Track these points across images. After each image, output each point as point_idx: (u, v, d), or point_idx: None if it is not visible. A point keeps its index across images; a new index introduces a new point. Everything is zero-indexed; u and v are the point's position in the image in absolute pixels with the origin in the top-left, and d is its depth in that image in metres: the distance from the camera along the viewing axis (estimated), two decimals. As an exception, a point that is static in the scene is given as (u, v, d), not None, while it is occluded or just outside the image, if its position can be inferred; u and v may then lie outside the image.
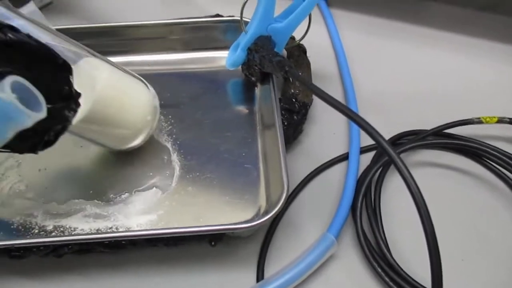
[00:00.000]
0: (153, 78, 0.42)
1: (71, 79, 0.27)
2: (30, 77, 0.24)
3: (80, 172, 0.36)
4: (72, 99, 0.27)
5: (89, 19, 0.54)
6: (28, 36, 0.24)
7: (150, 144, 0.37)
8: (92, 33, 0.43)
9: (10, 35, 0.23)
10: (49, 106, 0.25)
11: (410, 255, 0.34)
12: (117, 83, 0.33)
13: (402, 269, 0.32)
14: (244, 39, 0.39)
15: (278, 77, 0.36)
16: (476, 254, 0.34)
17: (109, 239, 0.31)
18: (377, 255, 0.33)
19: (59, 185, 0.35)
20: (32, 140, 0.26)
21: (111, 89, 0.32)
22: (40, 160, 0.36)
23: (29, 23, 0.29)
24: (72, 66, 0.27)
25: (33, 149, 0.26)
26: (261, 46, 0.37)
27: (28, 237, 0.32)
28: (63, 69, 0.26)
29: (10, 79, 0.23)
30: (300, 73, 0.41)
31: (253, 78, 0.40)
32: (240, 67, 0.41)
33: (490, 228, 0.36)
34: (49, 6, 0.56)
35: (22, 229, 0.32)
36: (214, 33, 0.45)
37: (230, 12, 0.46)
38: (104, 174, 0.35)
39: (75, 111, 0.28)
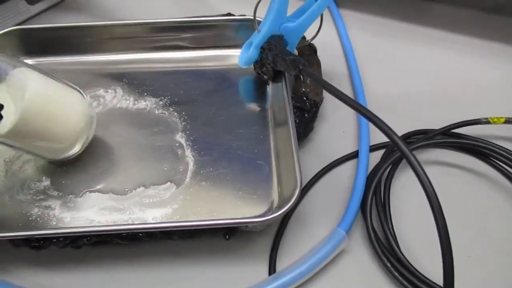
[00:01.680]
0: (166, 75, 0.44)
1: None
2: None
3: (96, 166, 0.36)
4: None
5: (101, 16, 0.55)
6: None
7: (165, 140, 0.38)
8: (105, 31, 0.44)
9: None
10: None
11: (418, 250, 0.35)
12: (47, 92, 0.32)
13: (410, 264, 0.33)
14: (257, 38, 0.39)
15: (292, 75, 0.37)
16: (482, 250, 0.35)
17: (128, 231, 0.31)
18: (387, 250, 0.34)
19: (76, 178, 0.36)
20: None
21: (40, 98, 0.31)
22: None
23: None
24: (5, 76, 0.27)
25: None
26: (274, 45, 0.38)
27: (47, 228, 0.32)
28: None
29: None
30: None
31: (265, 76, 0.41)
32: (252, 65, 0.41)
33: (496, 225, 0.37)
34: (61, 3, 0.56)
35: (40, 221, 0.33)
36: (226, 31, 0.45)
37: (240, 11, 0.47)
38: (120, 168, 0.36)
39: None
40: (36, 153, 0.34)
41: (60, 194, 0.35)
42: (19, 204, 0.34)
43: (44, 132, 0.32)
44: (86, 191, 0.35)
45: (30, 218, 0.33)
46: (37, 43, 0.44)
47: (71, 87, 0.35)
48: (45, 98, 0.32)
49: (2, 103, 0.30)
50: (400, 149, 0.26)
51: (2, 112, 0.30)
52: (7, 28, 0.44)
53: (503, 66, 0.49)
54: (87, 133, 0.35)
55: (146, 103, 0.41)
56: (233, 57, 0.45)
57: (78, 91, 0.36)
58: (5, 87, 0.31)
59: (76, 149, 0.35)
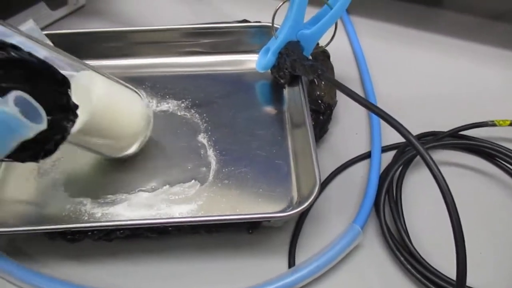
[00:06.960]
0: (186, 79, 0.45)
1: (69, 93, 0.28)
2: (32, 92, 0.25)
3: (124, 165, 0.38)
4: (70, 110, 0.29)
5: (119, 22, 0.57)
6: (30, 54, 0.26)
7: (188, 140, 0.40)
8: (127, 36, 0.46)
9: (13, 53, 0.24)
10: (49, 117, 0.26)
11: (429, 244, 0.37)
12: (111, 94, 0.35)
13: (422, 257, 0.35)
14: (275, 44, 0.41)
15: (309, 79, 0.39)
16: (493, 248, 0.37)
17: (161, 225, 0.33)
18: (399, 244, 0.36)
19: (105, 176, 0.38)
20: (33, 150, 0.27)
21: (106, 100, 0.34)
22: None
23: (28, 40, 0.31)
24: (70, 79, 0.29)
25: (35, 158, 0.28)
26: (292, 51, 0.40)
27: (81, 222, 0.34)
28: (62, 83, 0.28)
29: (13, 94, 0.24)
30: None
31: (282, 80, 0.43)
32: (269, 70, 0.44)
33: (502, 222, 0.39)
34: (81, 9, 0.59)
35: (73, 216, 0.35)
36: (243, 37, 0.47)
37: (254, 17, 0.49)
38: (147, 167, 0.38)
39: (73, 122, 0.29)
40: (97, 151, 0.36)
41: (90, 190, 0.36)
42: (51, 199, 0.36)
43: (109, 131, 0.34)
44: (116, 188, 0.37)
45: (63, 213, 0.35)
46: (63, 48, 0.46)
47: (130, 88, 0.37)
48: (110, 100, 0.34)
49: None
50: (416, 148, 0.28)
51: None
52: (32, 33, 0.46)
53: (507, 71, 0.51)
54: (146, 132, 0.37)
55: (169, 105, 0.43)
56: (249, 61, 0.47)
57: (137, 92, 0.37)
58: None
59: (135, 147, 0.37)
